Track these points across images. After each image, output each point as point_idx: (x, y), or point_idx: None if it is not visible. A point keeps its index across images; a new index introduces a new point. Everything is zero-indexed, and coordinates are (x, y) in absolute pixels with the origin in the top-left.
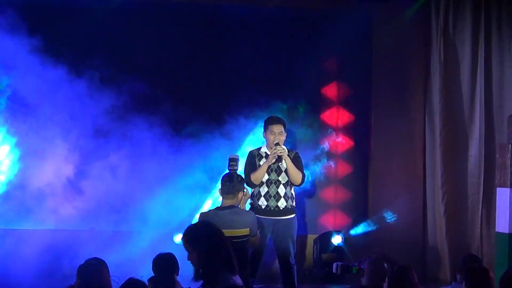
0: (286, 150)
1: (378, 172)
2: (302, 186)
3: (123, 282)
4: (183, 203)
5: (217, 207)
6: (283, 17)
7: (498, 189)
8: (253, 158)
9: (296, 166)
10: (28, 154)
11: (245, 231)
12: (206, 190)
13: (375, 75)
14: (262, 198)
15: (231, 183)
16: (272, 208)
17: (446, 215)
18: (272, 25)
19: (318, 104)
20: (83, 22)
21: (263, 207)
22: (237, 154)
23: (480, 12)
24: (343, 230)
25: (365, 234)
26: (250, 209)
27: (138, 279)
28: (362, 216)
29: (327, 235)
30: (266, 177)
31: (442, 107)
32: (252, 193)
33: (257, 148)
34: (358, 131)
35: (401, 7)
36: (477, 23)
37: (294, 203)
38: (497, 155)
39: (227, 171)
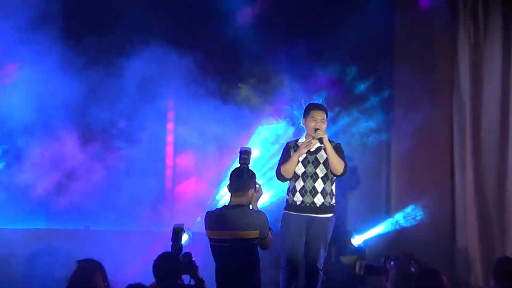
0: (326, 134)
1: (401, 166)
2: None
3: None
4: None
5: (224, 205)
6: None
7: None
8: (289, 150)
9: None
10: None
11: (253, 233)
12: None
13: (397, 60)
14: (298, 194)
15: (241, 179)
16: (307, 205)
17: (479, 216)
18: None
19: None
20: None
21: (298, 203)
22: (249, 146)
23: None
24: (363, 230)
25: (387, 234)
26: (286, 205)
27: (137, 284)
28: (384, 214)
29: (346, 235)
30: (302, 170)
31: (471, 95)
32: (288, 188)
33: (295, 139)
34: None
35: None
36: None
37: (333, 201)
38: None
39: (238, 165)
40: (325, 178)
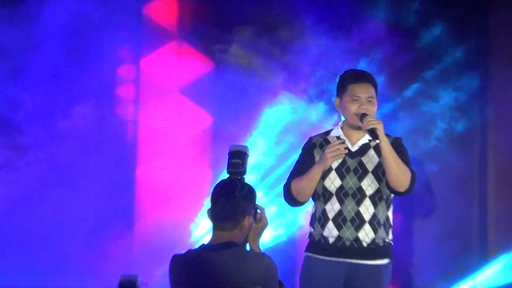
0: (382, 123)
1: (505, 180)
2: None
3: None
4: None
5: (204, 245)
6: None
7: None
8: (311, 152)
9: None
10: None
11: None
12: None
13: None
14: (330, 224)
15: (230, 200)
16: (347, 243)
17: None
18: None
19: None
20: None
21: (330, 240)
22: (246, 144)
23: None
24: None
25: None
26: (309, 244)
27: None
28: (479, 255)
29: None
30: (336, 183)
31: None
32: (312, 213)
33: (324, 132)
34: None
35: None
36: None
37: (390, 236)
38: None
39: (226, 175)
40: (377, 198)
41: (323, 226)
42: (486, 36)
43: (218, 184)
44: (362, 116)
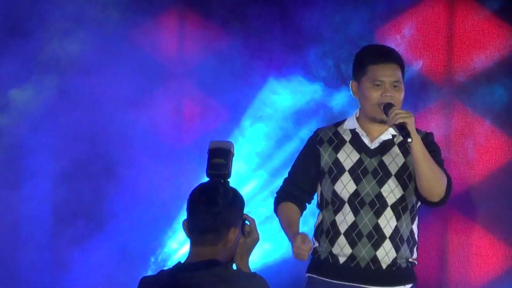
0: (413, 117)
1: None
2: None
3: None
4: None
5: (179, 263)
6: None
7: None
8: (315, 146)
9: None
10: None
11: None
12: None
13: None
14: (342, 239)
15: (212, 209)
16: (362, 264)
17: None
18: None
19: None
20: None
21: (341, 259)
22: (229, 140)
23: None
24: None
25: None
26: (312, 262)
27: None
28: None
29: None
30: (351, 187)
31: None
32: (317, 223)
33: (334, 124)
34: None
35: None
36: None
37: (415, 255)
38: None
39: (206, 178)
40: (400, 207)
41: (332, 242)
42: None
43: (195, 189)
44: (387, 106)
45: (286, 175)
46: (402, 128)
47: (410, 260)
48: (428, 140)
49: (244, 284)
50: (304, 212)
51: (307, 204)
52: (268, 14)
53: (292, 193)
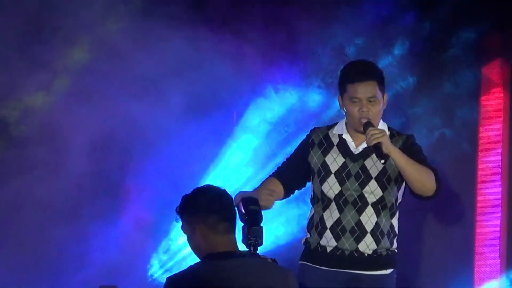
0: (387, 132)
1: None
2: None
3: None
4: None
5: (212, 253)
6: None
7: None
8: (307, 147)
9: (415, 159)
10: None
11: None
12: None
13: None
14: (328, 233)
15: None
16: (346, 253)
17: None
18: None
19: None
20: None
21: (328, 249)
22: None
23: None
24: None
25: None
26: (304, 251)
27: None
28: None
29: None
30: (336, 189)
31: None
32: (309, 219)
33: (327, 126)
34: None
35: None
36: None
37: (394, 246)
38: None
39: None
40: (380, 206)
41: (320, 235)
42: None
43: (211, 190)
44: (365, 126)
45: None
46: (376, 149)
47: (390, 249)
48: (409, 143)
49: (283, 276)
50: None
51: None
52: (272, 21)
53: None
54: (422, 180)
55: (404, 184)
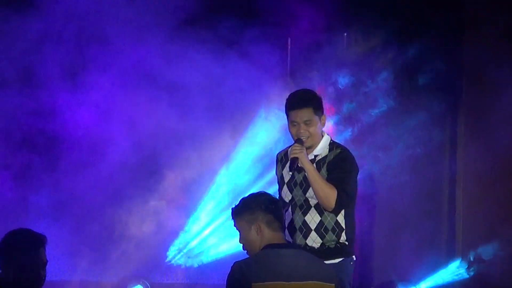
0: (304, 149)
1: (473, 189)
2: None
3: None
4: None
5: (271, 244)
6: None
7: None
8: (276, 166)
9: (331, 175)
10: None
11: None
12: None
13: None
14: (287, 231)
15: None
16: (301, 246)
17: None
18: None
19: None
20: None
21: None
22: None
23: None
24: (415, 279)
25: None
26: None
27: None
28: (446, 255)
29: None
30: (288, 195)
31: None
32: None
33: (288, 146)
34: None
35: None
36: None
37: (343, 238)
38: None
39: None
40: (322, 206)
41: (287, 233)
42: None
43: (260, 195)
44: (296, 142)
45: None
46: (292, 162)
47: (339, 241)
48: (337, 158)
49: (327, 265)
50: None
51: None
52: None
53: None
54: (323, 197)
55: None
